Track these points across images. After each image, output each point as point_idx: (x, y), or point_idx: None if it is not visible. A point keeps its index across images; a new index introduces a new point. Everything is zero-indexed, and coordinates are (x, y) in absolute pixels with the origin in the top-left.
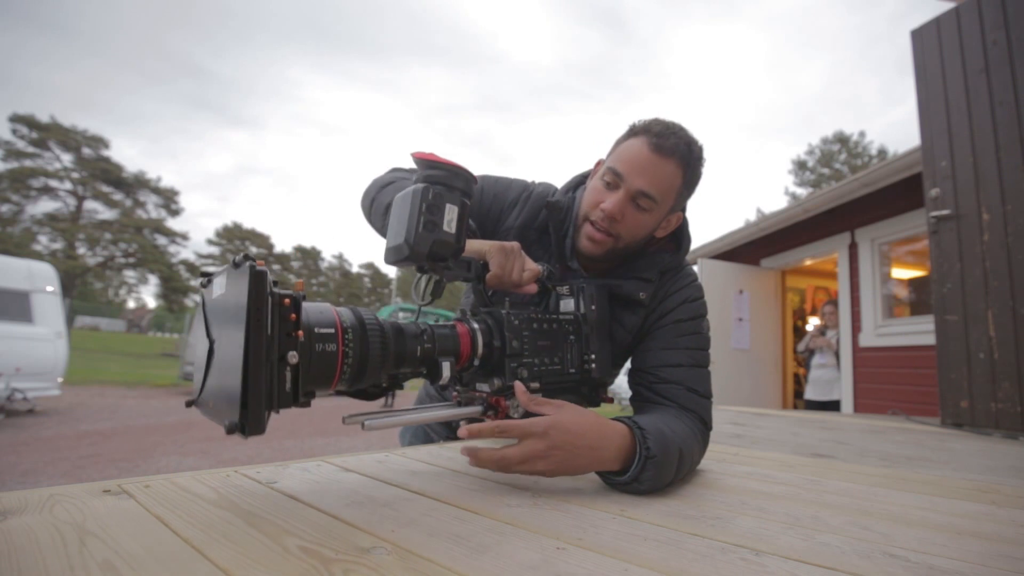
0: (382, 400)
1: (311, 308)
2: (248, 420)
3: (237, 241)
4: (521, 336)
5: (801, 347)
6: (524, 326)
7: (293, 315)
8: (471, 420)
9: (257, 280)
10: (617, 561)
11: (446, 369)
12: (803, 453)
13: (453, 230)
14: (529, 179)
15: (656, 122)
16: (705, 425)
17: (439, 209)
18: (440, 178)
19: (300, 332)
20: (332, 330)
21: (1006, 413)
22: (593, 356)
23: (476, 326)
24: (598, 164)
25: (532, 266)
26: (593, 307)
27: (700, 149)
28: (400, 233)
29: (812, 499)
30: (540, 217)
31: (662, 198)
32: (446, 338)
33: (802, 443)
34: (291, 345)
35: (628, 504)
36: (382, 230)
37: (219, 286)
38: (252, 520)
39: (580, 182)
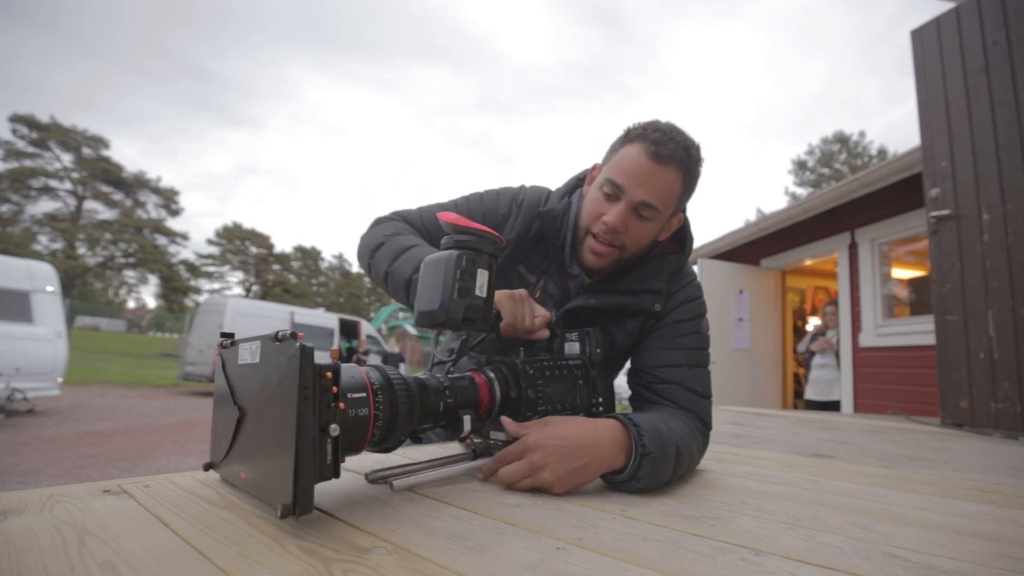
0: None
1: (344, 374)
2: (299, 502)
3: (237, 241)
4: (536, 385)
5: (801, 348)
6: (538, 375)
7: (334, 387)
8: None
9: (307, 359)
10: (617, 561)
11: (467, 423)
12: (803, 453)
13: (484, 294)
14: (516, 184)
15: (652, 127)
16: (704, 425)
17: (471, 275)
18: (470, 243)
19: (342, 404)
20: (364, 394)
21: (1006, 413)
22: (600, 399)
23: (492, 375)
24: (594, 168)
25: (541, 312)
26: (598, 350)
27: (698, 150)
28: (434, 299)
29: (812, 499)
30: (534, 226)
31: (664, 206)
32: (466, 390)
33: (802, 443)
34: (332, 417)
35: (628, 504)
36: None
37: (249, 353)
38: (252, 520)
39: (576, 185)
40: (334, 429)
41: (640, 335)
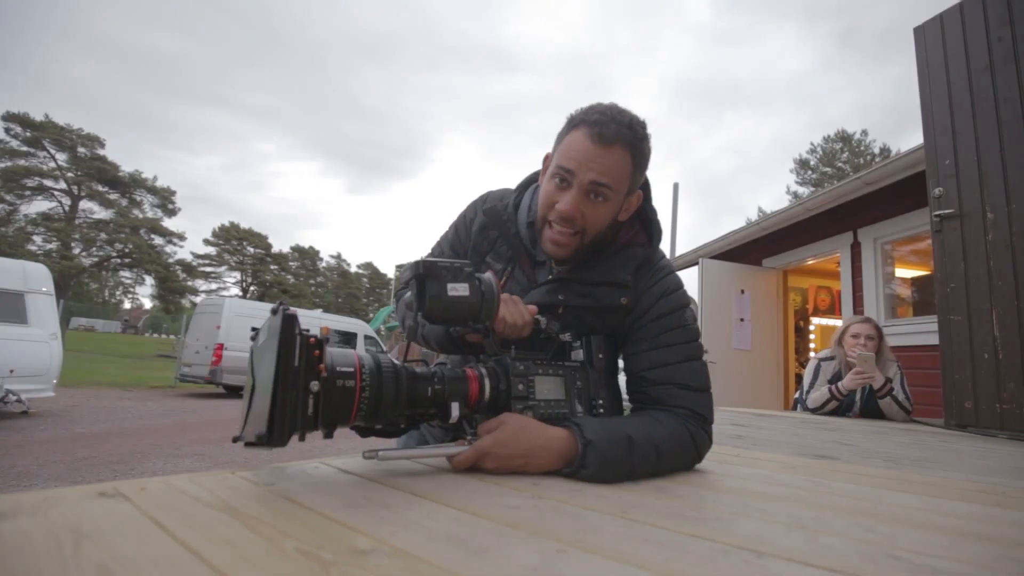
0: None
1: (337, 352)
2: (273, 432)
3: (234, 241)
4: (526, 380)
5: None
6: (529, 371)
7: (317, 352)
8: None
9: (288, 320)
10: (617, 563)
11: (455, 409)
12: (805, 454)
13: (467, 294)
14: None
15: (593, 110)
16: (697, 415)
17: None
18: (400, 291)
19: (323, 367)
20: (351, 369)
21: (1011, 414)
22: (601, 401)
23: (483, 371)
24: (547, 159)
25: (531, 307)
26: (600, 355)
27: (643, 126)
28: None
29: (815, 501)
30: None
31: (616, 184)
32: (456, 380)
33: (804, 444)
34: (314, 377)
35: (629, 505)
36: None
37: (263, 334)
38: (249, 523)
39: (532, 180)
40: (314, 385)
41: (617, 329)
